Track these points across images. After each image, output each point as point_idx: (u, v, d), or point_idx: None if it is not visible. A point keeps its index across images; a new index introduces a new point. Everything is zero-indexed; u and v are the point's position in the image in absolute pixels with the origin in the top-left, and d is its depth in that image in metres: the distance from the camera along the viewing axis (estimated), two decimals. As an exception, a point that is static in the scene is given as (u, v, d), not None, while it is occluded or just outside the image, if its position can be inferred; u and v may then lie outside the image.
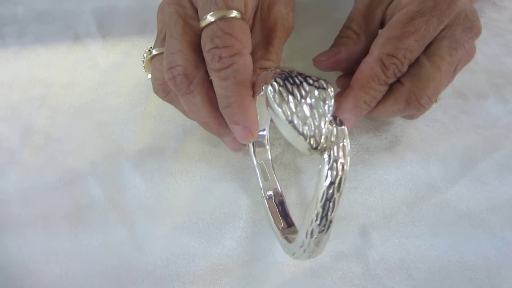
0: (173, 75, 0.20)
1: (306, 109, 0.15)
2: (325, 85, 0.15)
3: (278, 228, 0.21)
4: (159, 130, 0.25)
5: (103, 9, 0.32)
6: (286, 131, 0.15)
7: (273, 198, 0.23)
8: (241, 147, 0.24)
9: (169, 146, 0.25)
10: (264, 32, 0.24)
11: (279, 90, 0.15)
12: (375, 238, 0.22)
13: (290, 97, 0.15)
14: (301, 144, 0.15)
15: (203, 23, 0.20)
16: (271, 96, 0.15)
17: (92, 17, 0.31)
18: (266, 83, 0.17)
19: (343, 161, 0.15)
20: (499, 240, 0.22)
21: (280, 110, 0.15)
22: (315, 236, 0.15)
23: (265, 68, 0.23)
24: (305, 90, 0.15)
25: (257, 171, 0.24)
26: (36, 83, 0.27)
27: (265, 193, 0.23)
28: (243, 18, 0.20)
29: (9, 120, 0.25)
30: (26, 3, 0.31)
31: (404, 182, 0.24)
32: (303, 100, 0.15)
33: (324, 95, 0.15)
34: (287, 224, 0.22)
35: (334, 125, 0.15)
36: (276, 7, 0.24)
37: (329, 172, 0.14)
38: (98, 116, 0.26)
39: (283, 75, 0.16)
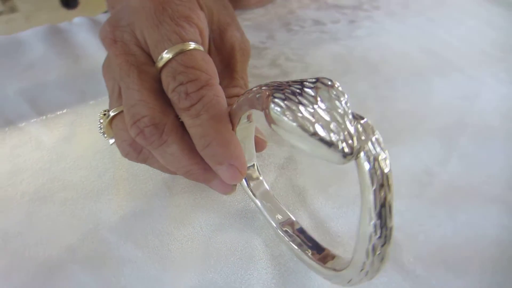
0: (141, 129, 0.19)
1: (325, 114, 0.14)
2: (329, 82, 0.15)
3: (312, 258, 0.20)
4: (138, 191, 0.25)
5: (30, 88, 0.31)
6: (310, 146, 0.13)
7: (291, 230, 0.22)
8: (232, 189, 0.23)
9: (155, 204, 0.24)
10: (223, 60, 0.25)
11: (286, 105, 0.14)
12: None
13: (302, 108, 0.14)
14: (334, 155, 0.13)
15: (160, 63, 0.20)
16: (279, 114, 0.14)
17: (20, 99, 0.30)
18: (255, 107, 0.16)
19: (384, 155, 0.14)
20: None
21: (297, 125, 0.13)
22: (379, 252, 0.14)
23: (236, 96, 0.25)
24: (311, 95, 0.14)
25: (260, 207, 0.23)
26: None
27: (280, 228, 0.22)
28: (202, 48, 0.21)
29: None
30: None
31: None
32: (316, 106, 0.14)
33: (335, 92, 0.14)
34: (318, 250, 0.21)
35: (356, 122, 0.14)
36: (229, 32, 0.25)
37: (373, 173, 0.14)
38: (61, 196, 0.24)
39: (278, 89, 0.15)
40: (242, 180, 0.23)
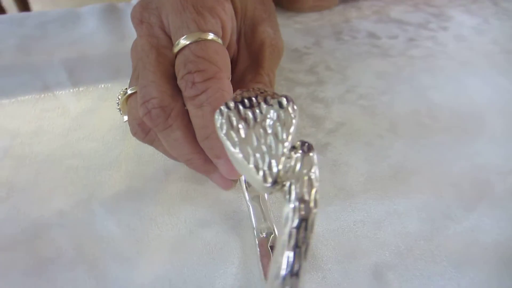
0: (148, 109, 0.20)
1: (260, 135, 0.13)
2: (285, 104, 0.14)
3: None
4: (137, 172, 0.26)
5: (73, 59, 0.34)
6: (238, 166, 0.13)
7: (267, 242, 0.22)
8: (231, 184, 0.23)
9: (149, 188, 0.25)
10: (252, 55, 0.25)
11: (228, 116, 0.14)
12: (391, 280, 0.22)
13: (241, 123, 0.14)
14: (256, 181, 0.13)
15: (176, 49, 0.20)
16: (217, 123, 0.14)
17: (61, 67, 0.33)
18: None
19: (307, 198, 0.13)
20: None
21: (227, 140, 0.14)
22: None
23: None
24: (261, 112, 0.14)
25: (251, 211, 0.23)
26: (2, 135, 0.28)
27: (258, 235, 0.22)
28: (220, 41, 0.21)
29: (-34, 174, 0.25)
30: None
31: (416, 212, 0.25)
32: (256, 126, 0.14)
33: (283, 116, 0.14)
34: None
35: (299, 152, 0.13)
36: (261, 28, 0.25)
37: (293, 214, 0.13)
38: (68, 162, 0.26)
39: (240, 97, 0.15)
40: (240, 176, 0.22)
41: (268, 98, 0.15)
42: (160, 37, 0.22)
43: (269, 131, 0.13)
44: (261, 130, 0.13)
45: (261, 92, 0.15)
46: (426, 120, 0.31)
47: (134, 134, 0.23)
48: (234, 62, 0.26)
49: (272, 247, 0.21)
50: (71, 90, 0.31)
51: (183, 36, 0.20)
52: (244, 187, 0.24)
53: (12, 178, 0.25)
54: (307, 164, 0.13)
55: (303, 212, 0.13)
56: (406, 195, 0.25)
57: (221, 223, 0.23)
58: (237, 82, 0.25)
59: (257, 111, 0.14)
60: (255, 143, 0.13)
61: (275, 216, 0.23)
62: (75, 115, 0.29)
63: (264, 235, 0.22)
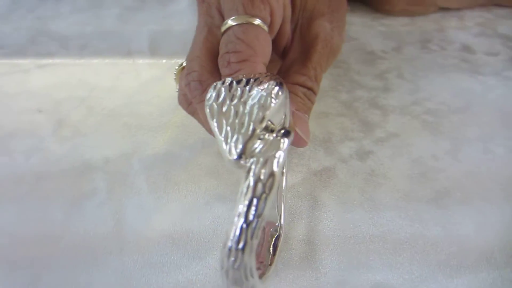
0: (189, 81, 0.22)
1: (238, 112, 0.14)
2: (271, 88, 0.15)
3: None
4: (179, 139, 0.28)
5: (158, 31, 0.38)
6: (215, 137, 0.14)
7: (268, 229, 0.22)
8: None
9: (183, 155, 0.27)
10: (304, 47, 0.25)
11: (219, 90, 0.15)
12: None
13: (227, 99, 0.14)
14: (223, 153, 0.14)
15: (223, 28, 0.22)
16: (207, 95, 0.15)
17: (146, 37, 0.37)
18: None
19: (263, 178, 0.13)
20: None
21: (208, 110, 0.14)
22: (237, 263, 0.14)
23: (299, 85, 0.25)
24: (249, 92, 0.15)
25: None
26: (82, 86, 0.33)
27: None
28: (265, 27, 0.22)
29: (48, 113, 0.30)
30: (94, 24, 0.39)
31: (447, 244, 0.22)
32: (239, 103, 0.14)
33: (263, 99, 0.14)
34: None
35: (273, 136, 0.14)
36: (318, 21, 0.25)
37: (246, 191, 0.13)
38: (125, 120, 0.29)
39: (242, 77, 0.15)
40: None
41: (265, 81, 0.15)
42: (215, 17, 0.24)
43: (247, 110, 0.14)
44: (241, 108, 0.14)
45: (266, 76, 0.16)
46: (500, 149, 0.28)
47: (179, 103, 0.25)
48: (286, 52, 0.26)
49: (272, 236, 0.22)
50: (148, 59, 0.35)
51: (232, 17, 0.22)
52: None
53: (80, 123, 0.29)
54: (273, 147, 0.14)
55: (256, 192, 0.13)
56: (442, 225, 0.23)
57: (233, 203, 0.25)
58: (284, 71, 0.25)
59: (247, 90, 0.15)
60: (231, 119, 0.14)
61: (287, 208, 0.24)
62: (144, 81, 0.33)
63: (267, 224, 0.22)
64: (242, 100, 0.14)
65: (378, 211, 0.24)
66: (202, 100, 0.22)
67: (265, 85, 0.14)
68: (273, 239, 0.22)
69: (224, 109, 0.14)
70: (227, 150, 0.13)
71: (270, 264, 0.20)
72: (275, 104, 0.14)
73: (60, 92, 0.32)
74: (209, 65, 0.22)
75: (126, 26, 0.39)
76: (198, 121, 0.26)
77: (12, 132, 0.29)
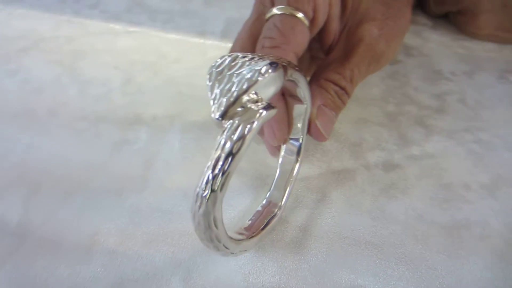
0: None
1: (229, 80, 0.16)
2: (262, 63, 0.16)
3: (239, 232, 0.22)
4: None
5: (234, 18, 0.41)
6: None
7: (268, 210, 0.24)
8: (275, 152, 0.25)
9: (216, 128, 0.30)
10: (347, 48, 0.26)
11: (223, 61, 0.17)
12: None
13: (226, 69, 0.16)
14: (210, 110, 0.16)
15: (267, 15, 0.24)
16: (213, 63, 0.17)
17: (222, 22, 0.41)
18: None
19: (234, 140, 0.15)
20: None
21: (208, 74, 0.17)
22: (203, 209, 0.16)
23: (332, 82, 0.26)
24: (245, 64, 0.16)
25: (277, 174, 0.25)
26: (154, 53, 0.37)
27: (267, 200, 0.24)
28: (306, 21, 0.23)
29: (121, 70, 0.35)
30: (182, 3, 0.44)
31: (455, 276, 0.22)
32: (233, 74, 0.16)
33: (251, 74, 0.16)
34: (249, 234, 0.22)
35: (256, 107, 0.15)
36: (365, 25, 0.26)
37: (217, 146, 0.15)
38: (181, 88, 0.33)
39: (249, 53, 0.17)
40: (278, 143, 0.25)
41: (267, 60, 0.16)
42: (266, 5, 0.26)
43: (237, 80, 0.16)
44: (234, 78, 0.16)
45: (271, 57, 0.17)
46: (540, 195, 0.25)
47: None
48: (331, 50, 0.27)
49: (266, 213, 0.23)
50: (218, 41, 0.38)
51: (278, 6, 0.24)
52: (282, 152, 0.26)
53: (143, 83, 0.34)
54: (251, 116, 0.15)
55: (224, 150, 0.15)
56: (449, 254, 0.22)
57: (251, 179, 0.26)
58: (323, 67, 0.26)
59: (246, 64, 0.16)
60: (222, 85, 0.16)
61: (294, 196, 0.25)
62: (208, 59, 0.36)
63: (270, 203, 0.24)
64: (237, 72, 0.16)
65: (384, 222, 0.24)
66: None
67: (261, 63, 0.16)
68: (269, 218, 0.23)
69: (220, 76, 0.16)
70: (212, 109, 0.15)
71: (254, 236, 0.21)
72: (262, 79, 0.16)
73: (136, 55, 0.37)
74: (250, 48, 0.24)
75: (209, 9, 0.43)
76: None
77: (90, 80, 0.35)
